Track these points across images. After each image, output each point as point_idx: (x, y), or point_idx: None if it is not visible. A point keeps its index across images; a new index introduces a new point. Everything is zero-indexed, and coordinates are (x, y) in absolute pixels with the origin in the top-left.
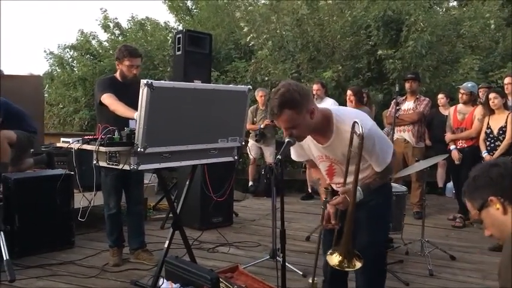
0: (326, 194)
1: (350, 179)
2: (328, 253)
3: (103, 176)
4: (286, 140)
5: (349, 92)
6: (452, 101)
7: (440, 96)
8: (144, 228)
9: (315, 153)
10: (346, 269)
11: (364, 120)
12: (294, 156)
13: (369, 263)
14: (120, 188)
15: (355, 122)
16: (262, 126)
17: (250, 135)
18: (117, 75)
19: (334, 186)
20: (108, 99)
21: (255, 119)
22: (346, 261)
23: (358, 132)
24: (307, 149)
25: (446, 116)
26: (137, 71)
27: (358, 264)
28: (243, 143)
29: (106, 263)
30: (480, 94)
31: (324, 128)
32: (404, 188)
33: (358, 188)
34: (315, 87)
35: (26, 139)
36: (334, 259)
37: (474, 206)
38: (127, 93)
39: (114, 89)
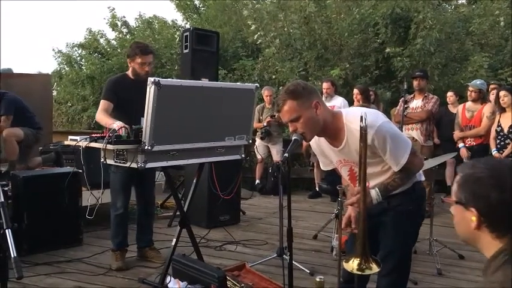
0: (341, 192)
1: (373, 182)
2: (344, 261)
3: (112, 174)
4: (293, 137)
5: (355, 91)
6: (462, 99)
7: (449, 94)
8: (152, 227)
9: (334, 159)
10: (367, 271)
11: (374, 116)
12: (322, 166)
13: (393, 266)
14: (129, 188)
15: (361, 116)
16: (265, 123)
17: (257, 133)
18: (129, 73)
19: None
20: (99, 108)
21: (261, 118)
22: (364, 262)
23: (362, 125)
24: (328, 156)
25: (455, 114)
26: (149, 68)
27: (375, 268)
28: (250, 141)
29: None
30: (490, 92)
31: (335, 129)
32: None
33: (376, 189)
34: (325, 85)
35: (32, 136)
36: (352, 264)
37: (455, 195)
38: (139, 90)
39: (123, 88)
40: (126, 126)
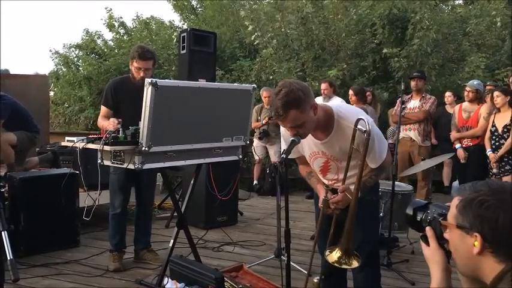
0: (326, 191)
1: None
2: (327, 252)
3: (111, 174)
4: (291, 139)
5: (350, 92)
6: (460, 99)
7: (447, 94)
8: (150, 228)
9: (309, 150)
10: (344, 266)
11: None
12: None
13: (366, 260)
14: (128, 188)
15: (360, 119)
16: (263, 122)
17: (255, 134)
18: (131, 74)
19: (326, 182)
20: (100, 114)
21: (259, 118)
22: (345, 256)
23: (364, 129)
24: (300, 145)
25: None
26: (146, 74)
27: (355, 264)
28: (248, 142)
29: None
30: (487, 93)
31: (325, 124)
32: (410, 187)
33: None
34: (323, 86)
35: (27, 139)
36: (334, 256)
37: (454, 219)
38: (138, 94)
39: (124, 90)
40: (117, 120)
